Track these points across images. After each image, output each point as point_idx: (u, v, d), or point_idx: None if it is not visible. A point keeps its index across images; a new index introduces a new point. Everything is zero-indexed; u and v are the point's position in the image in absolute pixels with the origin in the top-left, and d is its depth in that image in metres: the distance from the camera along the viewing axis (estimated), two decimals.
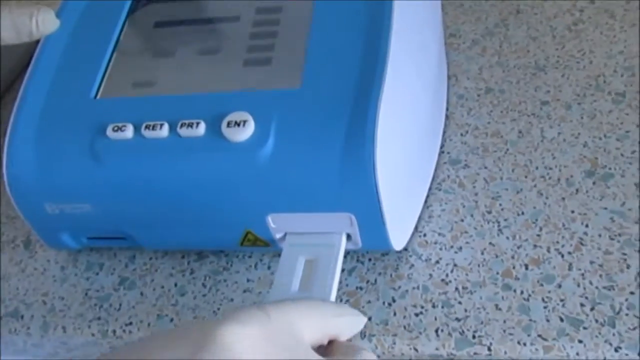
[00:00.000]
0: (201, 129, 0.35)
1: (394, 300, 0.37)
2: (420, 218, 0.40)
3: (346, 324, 0.30)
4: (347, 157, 0.33)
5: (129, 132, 0.35)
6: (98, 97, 0.38)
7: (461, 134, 0.44)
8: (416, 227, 0.39)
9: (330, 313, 0.30)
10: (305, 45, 0.37)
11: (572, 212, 0.38)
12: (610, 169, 0.39)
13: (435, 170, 0.42)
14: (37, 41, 0.40)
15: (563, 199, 0.39)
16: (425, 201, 0.40)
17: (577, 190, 0.39)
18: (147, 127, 0.35)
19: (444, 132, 0.44)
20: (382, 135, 0.33)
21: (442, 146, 0.43)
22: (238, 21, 0.40)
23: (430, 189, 0.41)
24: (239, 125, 0.34)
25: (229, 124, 0.34)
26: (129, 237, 0.39)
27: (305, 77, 0.36)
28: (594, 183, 0.39)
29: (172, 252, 0.42)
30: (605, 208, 0.38)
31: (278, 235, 0.37)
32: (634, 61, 0.44)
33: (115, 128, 0.35)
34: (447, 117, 0.45)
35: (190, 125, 0.35)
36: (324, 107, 0.35)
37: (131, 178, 0.35)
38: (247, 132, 0.34)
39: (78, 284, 0.42)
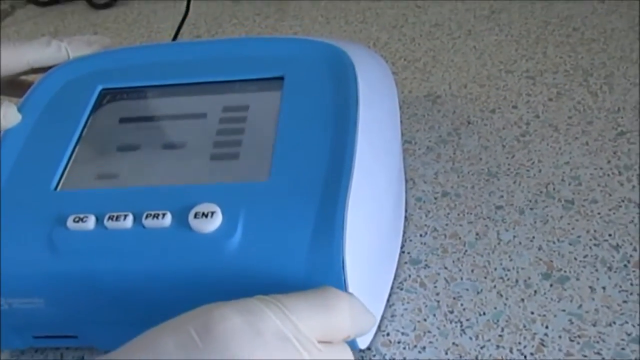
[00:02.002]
0: (167, 220, 0.34)
1: None
2: (383, 317, 0.39)
3: (355, 323, 0.30)
4: (315, 252, 0.33)
5: (90, 223, 0.34)
6: (59, 188, 0.37)
7: (420, 235, 0.44)
8: (379, 326, 0.39)
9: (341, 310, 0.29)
10: (272, 140, 0.38)
11: (532, 313, 0.39)
12: (565, 272, 0.41)
13: (397, 269, 0.42)
14: None
15: (522, 300, 0.39)
16: (388, 300, 0.40)
17: (535, 291, 0.40)
18: (110, 217, 0.34)
19: (404, 233, 0.44)
20: (350, 231, 0.34)
21: (402, 246, 0.44)
22: (205, 118, 0.41)
23: (392, 288, 0.41)
24: (206, 216, 0.34)
25: (196, 215, 0.34)
26: (81, 336, 0.37)
27: (273, 171, 0.36)
28: (551, 285, 0.40)
29: None
30: (564, 310, 0.39)
31: None
32: (580, 171, 0.47)
33: (76, 219, 0.34)
34: (406, 218, 0.45)
35: (156, 216, 0.34)
36: (291, 200, 0.35)
37: (91, 271, 0.34)
38: (214, 223, 0.34)
39: None
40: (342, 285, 0.33)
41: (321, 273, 0.33)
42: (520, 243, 0.43)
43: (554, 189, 0.46)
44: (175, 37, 0.68)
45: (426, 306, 0.40)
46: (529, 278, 0.41)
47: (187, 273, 0.34)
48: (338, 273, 0.33)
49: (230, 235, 0.34)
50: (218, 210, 0.34)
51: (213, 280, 0.34)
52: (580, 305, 0.39)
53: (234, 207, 0.34)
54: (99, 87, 0.43)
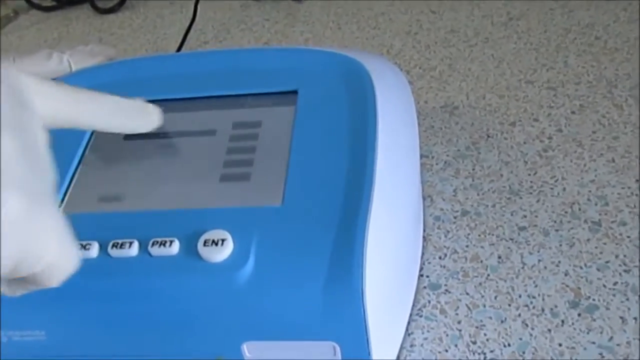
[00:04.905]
0: (175, 247, 0.32)
1: None
2: (401, 347, 0.37)
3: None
4: (333, 282, 0.31)
5: (93, 250, 0.32)
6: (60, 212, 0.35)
7: (440, 257, 0.42)
8: (398, 357, 0.37)
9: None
10: (286, 160, 0.36)
11: (560, 345, 0.36)
12: (594, 300, 0.38)
13: (415, 295, 0.40)
14: None
15: (549, 330, 0.37)
16: (406, 328, 0.38)
17: (562, 321, 0.38)
18: (114, 245, 0.32)
19: (422, 255, 0.42)
20: (370, 259, 0.32)
21: (421, 269, 0.41)
22: (214, 135, 0.39)
23: (410, 314, 0.39)
24: (216, 244, 0.32)
25: (205, 243, 0.32)
26: None
27: (287, 194, 0.34)
28: (579, 315, 0.38)
29: None
30: (593, 342, 0.36)
31: None
32: (606, 190, 0.45)
33: (79, 246, 0.32)
34: (424, 238, 0.43)
35: (162, 243, 0.32)
36: (307, 227, 0.33)
37: (94, 301, 0.32)
38: (225, 251, 0.32)
39: None
40: (361, 319, 0.31)
41: (339, 306, 0.31)
42: (545, 267, 0.41)
43: (579, 209, 0.44)
44: (182, 43, 0.66)
45: (447, 335, 0.38)
46: (556, 306, 0.38)
47: (196, 304, 0.32)
48: (357, 306, 0.31)
49: (242, 264, 0.32)
50: (229, 237, 0.32)
51: (223, 312, 0.31)
52: (611, 338, 0.36)
53: (246, 234, 0.32)
54: None
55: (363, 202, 0.33)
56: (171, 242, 0.32)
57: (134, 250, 0.32)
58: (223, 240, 0.32)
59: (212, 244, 0.32)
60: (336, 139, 0.37)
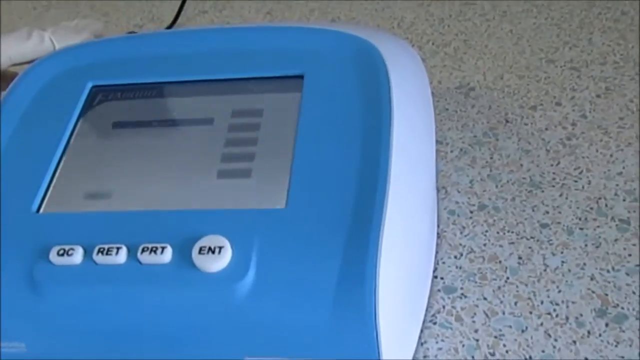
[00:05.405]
0: (167, 255, 0.29)
1: None
2: (414, 359, 0.34)
3: None
4: (343, 295, 0.28)
5: (77, 256, 0.29)
6: (41, 211, 0.32)
7: (455, 257, 0.39)
8: None
9: None
10: (290, 154, 0.33)
11: (586, 359, 0.34)
12: (622, 308, 0.35)
13: (429, 299, 0.37)
14: None
15: (574, 342, 0.34)
16: (419, 337, 0.35)
17: (588, 332, 0.35)
18: (100, 250, 0.29)
19: (436, 253, 0.39)
20: (385, 269, 0.28)
21: (434, 269, 0.38)
22: (211, 124, 0.35)
23: (423, 321, 0.36)
24: (213, 252, 0.29)
25: (201, 250, 0.29)
26: None
27: (291, 194, 0.31)
28: (606, 325, 0.35)
29: None
30: (622, 357, 0.33)
31: None
32: (635, 184, 0.42)
33: (61, 251, 0.29)
34: (438, 235, 0.40)
35: (153, 250, 0.29)
36: (314, 233, 0.30)
37: (78, 313, 0.29)
38: (223, 261, 0.29)
39: None
40: (373, 338, 0.28)
41: (349, 322, 0.28)
42: (569, 271, 0.38)
43: (606, 205, 0.41)
44: (178, 13, 0.62)
45: (463, 346, 0.35)
46: (581, 315, 0.35)
47: (189, 319, 0.28)
48: (370, 323, 0.28)
49: (242, 275, 0.28)
50: (227, 244, 0.29)
51: (219, 329, 0.28)
52: None
53: (246, 240, 0.29)
54: (89, 84, 0.37)
55: (377, 204, 0.30)
56: (163, 248, 0.29)
57: (121, 257, 0.29)
58: (220, 248, 0.29)
59: (208, 252, 0.29)
60: (346, 130, 0.33)
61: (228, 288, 0.28)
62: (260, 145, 0.34)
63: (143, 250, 0.29)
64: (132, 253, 0.29)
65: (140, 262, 0.29)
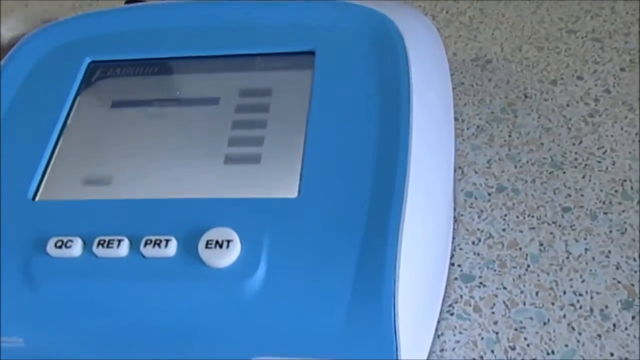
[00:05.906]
0: (171, 248, 0.27)
1: None
2: (431, 351, 0.33)
3: None
4: (359, 291, 0.26)
5: (76, 248, 0.27)
6: (37, 198, 0.30)
7: (473, 242, 0.37)
8: None
9: None
10: (302, 138, 0.31)
11: (612, 355, 0.32)
12: None
13: (446, 288, 0.35)
14: None
15: (599, 336, 0.33)
16: (436, 328, 0.34)
17: (614, 325, 0.33)
18: (100, 243, 0.27)
19: (453, 238, 0.37)
20: (404, 262, 0.27)
21: (451, 256, 0.37)
22: (217, 104, 0.33)
23: (440, 312, 0.34)
24: (221, 246, 0.27)
25: (207, 244, 0.27)
26: None
27: (304, 182, 0.29)
28: (633, 317, 0.33)
29: None
30: None
31: None
32: None
33: (59, 243, 0.27)
34: (455, 219, 0.38)
35: (157, 243, 0.27)
36: (328, 225, 0.28)
37: (77, 310, 0.27)
38: (231, 255, 0.27)
39: None
40: (392, 337, 0.26)
41: (367, 321, 0.26)
42: (593, 259, 0.36)
43: (631, 187, 0.39)
44: None
45: (482, 339, 0.33)
46: (606, 307, 0.34)
47: (195, 317, 0.27)
48: (388, 322, 0.26)
49: (252, 271, 0.27)
50: (236, 237, 0.27)
51: (227, 327, 0.27)
52: None
53: (256, 233, 0.27)
54: (87, 60, 0.35)
55: (396, 192, 0.28)
56: (167, 241, 0.27)
57: (123, 249, 0.27)
58: (229, 242, 0.27)
59: (215, 246, 0.27)
60: (362, 111, 0.31)
61: (237, 285, 0.26)
62: (270, 128, 0.32)
63: (146, 243, 0.27)
64: (134, 246, 0.27)
65: (143, 256, 0.27)
